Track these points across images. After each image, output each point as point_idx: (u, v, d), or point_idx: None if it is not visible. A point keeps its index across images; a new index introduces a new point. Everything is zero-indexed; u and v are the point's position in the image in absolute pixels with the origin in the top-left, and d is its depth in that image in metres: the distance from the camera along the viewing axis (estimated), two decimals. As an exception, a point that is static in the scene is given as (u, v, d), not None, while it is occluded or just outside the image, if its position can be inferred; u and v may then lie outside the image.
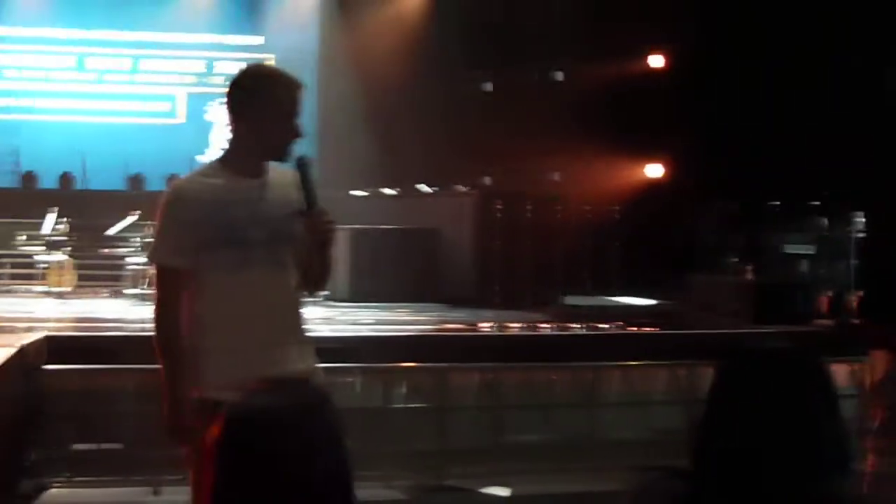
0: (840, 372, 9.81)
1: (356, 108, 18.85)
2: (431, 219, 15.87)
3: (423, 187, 16.34)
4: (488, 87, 19.60)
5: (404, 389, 8.92)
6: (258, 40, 20.56)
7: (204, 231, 3.66)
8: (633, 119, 17.46)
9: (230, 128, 3.80)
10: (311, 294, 3.94)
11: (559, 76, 18.67)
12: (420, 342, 10.20)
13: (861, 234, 13.64)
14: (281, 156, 3.78)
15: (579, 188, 15.27)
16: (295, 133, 3.74)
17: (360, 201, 16.99)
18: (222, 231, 3.67)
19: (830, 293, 12.57)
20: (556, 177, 18.08)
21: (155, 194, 4.39)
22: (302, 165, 3.73)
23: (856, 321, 11.68)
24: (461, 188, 15.78)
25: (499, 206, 11.82)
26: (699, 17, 16.68)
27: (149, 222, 14.96)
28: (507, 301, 11.57)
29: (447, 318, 12.37)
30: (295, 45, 19.76)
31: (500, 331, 11.02)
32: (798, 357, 2.00)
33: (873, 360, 5.47)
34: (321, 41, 20.53)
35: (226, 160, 3.81)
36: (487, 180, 18.49)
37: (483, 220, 14.05)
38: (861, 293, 12.52)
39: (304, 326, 3.86)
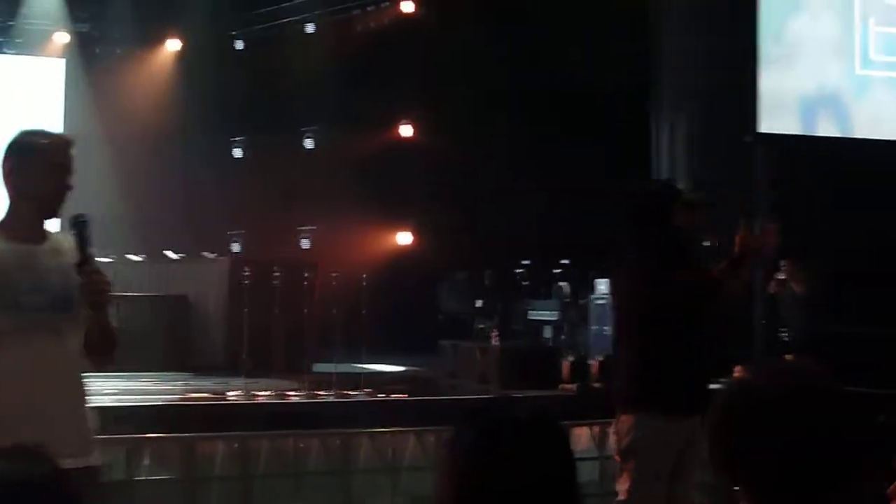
0: (582, 436, 10.10)
1: (101, 173, 18.36)
2: (179, 286, 15.57)
3: (171, 254, 16.01)
4: (238, 153, 19.46)
5: (149, 461, 8.65)
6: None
7: None
8: (383, 187, 17.68)
9: (8, 193, 3.76)
10: (100, 365, 3.89)
11: (310, 144, 18.72)
12: (165, 411, 9.96)
13: (601, 301, 14.14)
14: (53, 212, 3.77)
15: (329, 255, 15.30)
16: (65, 187, 3.74)
17: (105, 267, 16.48)
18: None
19: (572, 358, 12.94)
20: (306, 244, 18.06)
21: None
22: (79, 223, 3.65)
23: (597, 385, 12.04)
24: (209, 255, 15.54)
25: (247, 273, 11.69)
26: (448, 89, 17.12)
27: None
28: (255, 369, 11.42)
29: (194, 387, 12.11)
30: (39, 113, 19.10)
31: (248, 399, 10.85)
32: (535, 421, 2.01)
33: (621, 423, 5.59)
34: (66, 109, 19.88)
35: (4, 226, 3.73)
36: (236, 247, 18.29)
37: (231, 287, 13.86)
38: (601, 358, 12.93)
39: (81, 397, 3.78)
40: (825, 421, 2.19)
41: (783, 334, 13.75)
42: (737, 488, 2.26)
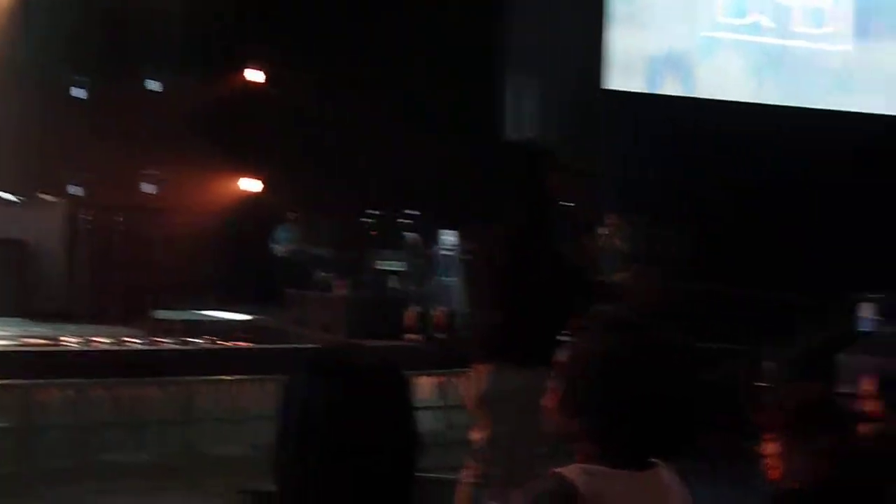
0: (427, 385, 10.19)
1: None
2: (15, 229, 15.10)
3: (8, 195, 15.51)
4: (81, 93, 18.89)
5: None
6: None
7: None
8: (230, 132, 17.42)
9: None
10: None
11: (155, 85, 18.29)
12: (0, 358, 9.68)
13: (449, 252, 14.22)
14: None
15: (174, 201, 15.03)
16: None
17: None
18: None
19: (419, 308, 13.01)
20: (151, 189, 17.71)
21: None
22: None
23: (442, 336, 12.14)
24: (49, 197, 15.10)
25: (89, 217, 11.39)
26: (297, 33, 16.93)
27: None
28: (96, 315, 11.17)
29: (30, 333, 11.79)
30: None
31: (86, 346, 10.61)
32: (375, 369, 2.01)
33: (476, 372, 5.66)
34: None
35: None
36: (78, 190, 17.83)
37: (72, 231, 13.51)
38: (446, 309, 13.03)
39: None
40: (667, 374, 2.24)
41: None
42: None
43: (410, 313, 12.77)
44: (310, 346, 11.77)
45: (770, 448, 3.21)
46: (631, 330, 2.31)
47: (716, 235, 14.42)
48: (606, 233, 13.96)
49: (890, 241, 14.35)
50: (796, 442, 3.17)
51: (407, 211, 16.26)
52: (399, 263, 15.43)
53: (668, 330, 2.30)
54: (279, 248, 17.26)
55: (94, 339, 10.95)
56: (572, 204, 5.76)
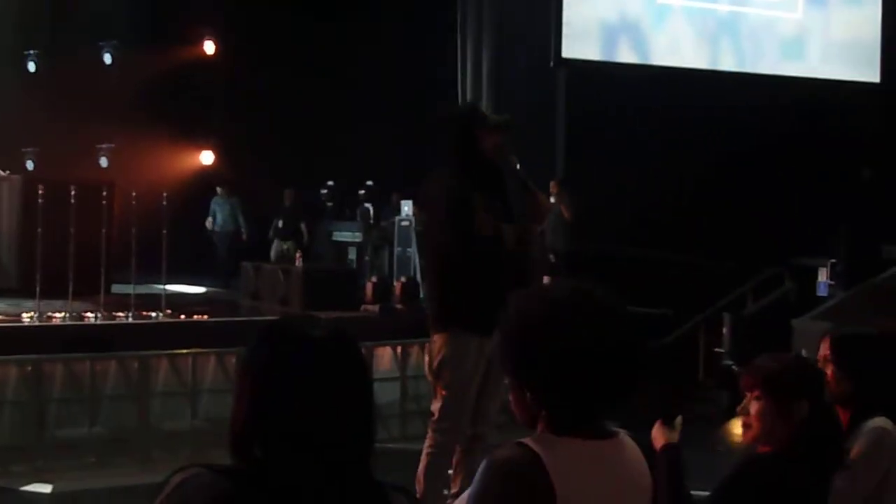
0: (385, 356, 10.18)
1: None
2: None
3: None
4: (32, 66, 18.68)
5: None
6: None
7: None
8: (184, 105, 17.31)
9: None
10: None
11: (108, 59, 18.11)
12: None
13: (406, 223, 14.19)
14: None
15: (127, 174, 14.90)
16: None
17: None
18: None
19: (375, 279, 13.01)
20: (104, 162, 17.55)
21: None
22: None
23: (399, 306, 12.15)
24: (1, 172, 14.93)
25: (41, 192, 11.26)
26: (251, 5, 16.84)
27: None
28: (50, 290, 11.05)
29: (-16, 309, 11.69)
30: None
31: (42, 321, 10.52)
32: (329, 339, 2.00)
33: (433, 342, 5.69)
34: None
35: None
36: (30, 164, 17.66)
37: (25, 206, 13.35)
38: (403, 280, 13.03)
39: None
40: (615, 335, 2.25)
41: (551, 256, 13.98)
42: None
43: (368, 284, 12.77)
44: (265, 318, 11.74)
45: (753, 407, 3.27)
46: (575, 295, 2.31)
47: (674, 205, 14.51)
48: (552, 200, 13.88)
49: (842, 207, 14.47)
50: (774, 406, 3.23)
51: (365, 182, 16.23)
52: (355, 234, 15.41)
53: (608, 293, 2.32)
54: (233, 221, 17.17)
55: (50, 314, 10.86)
56: (518, 165, 5.75)
